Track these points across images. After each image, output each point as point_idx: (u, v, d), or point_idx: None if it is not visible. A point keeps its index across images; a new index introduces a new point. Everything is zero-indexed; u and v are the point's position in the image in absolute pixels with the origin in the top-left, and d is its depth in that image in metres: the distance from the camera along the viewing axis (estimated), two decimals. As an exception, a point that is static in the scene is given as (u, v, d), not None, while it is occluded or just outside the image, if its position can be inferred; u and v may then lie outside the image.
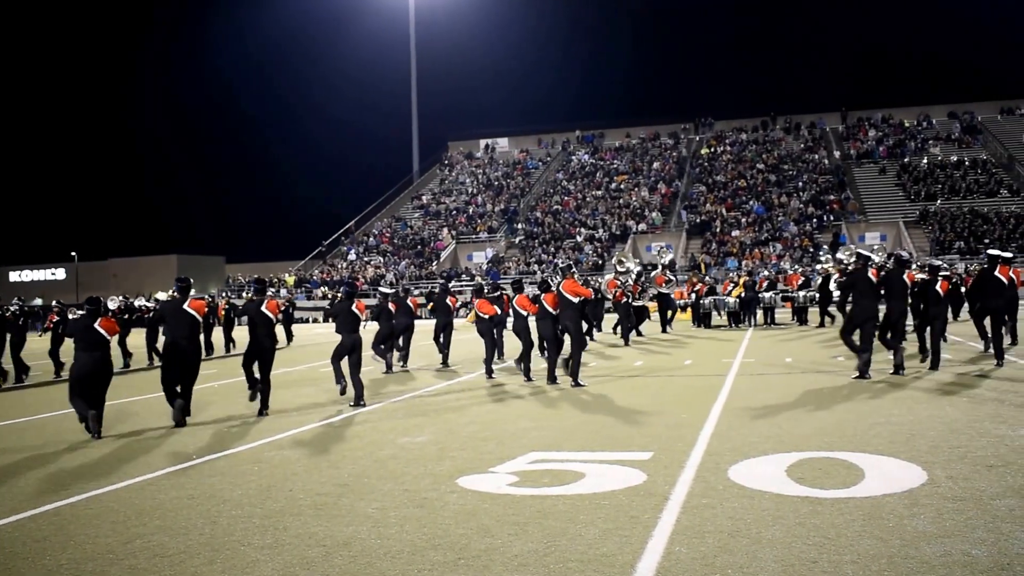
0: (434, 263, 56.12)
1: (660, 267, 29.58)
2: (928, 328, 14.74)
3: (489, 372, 16.06)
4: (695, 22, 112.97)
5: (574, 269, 16.37)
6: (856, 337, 13.91)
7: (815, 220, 53.31)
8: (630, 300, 23.57)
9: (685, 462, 7.95)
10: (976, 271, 18.33)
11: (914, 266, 17.18)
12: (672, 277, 27.19)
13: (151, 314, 22.44)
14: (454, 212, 64.27)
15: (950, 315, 19.82)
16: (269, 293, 18.32)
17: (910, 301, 14.68)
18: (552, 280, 16.20)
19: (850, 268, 15.71)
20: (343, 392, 13.30)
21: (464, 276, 51.79)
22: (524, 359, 15.51)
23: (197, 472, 8.55)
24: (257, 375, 12.38)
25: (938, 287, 14.56)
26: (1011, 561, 5.05)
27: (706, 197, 59.00)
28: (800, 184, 58.36)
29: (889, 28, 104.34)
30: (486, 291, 20.53)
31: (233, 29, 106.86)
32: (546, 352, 15.72)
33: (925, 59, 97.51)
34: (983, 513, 6.01)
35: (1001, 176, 55.61)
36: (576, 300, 14.33)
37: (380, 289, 20.93)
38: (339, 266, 58.59)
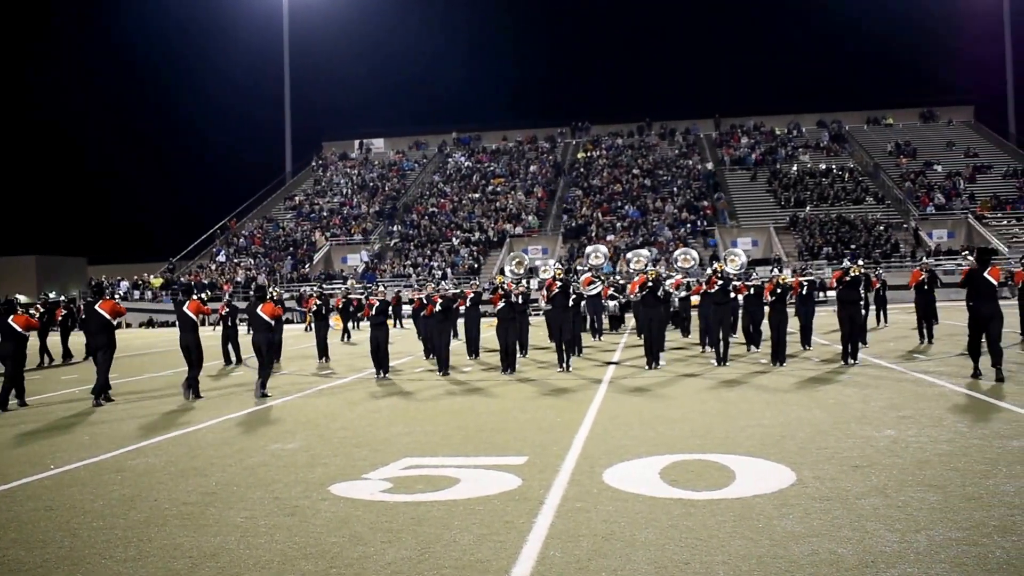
0: (307, 265, 55.25)
1: (588, 268, 28.65)
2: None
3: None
4: (572, 26, 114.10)
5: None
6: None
7: (689, 225, 54.51)
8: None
9: (560, 466, 7.98)
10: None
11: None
12: (600, 278, 26.50)
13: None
14: (328, 214, 63.43)
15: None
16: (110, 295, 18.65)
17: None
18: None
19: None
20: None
21: (337, 280, 51.17)
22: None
23: (55, 482, 8.17)
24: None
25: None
26: (875, 559, 5.20)
27: (582, 201, 59.70)
28: (675, 189, 59.61)
29: (760, 37, 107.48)
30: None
31: (97, 25, 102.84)
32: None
33: (795, 69, 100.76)
34: (849, 512, 6.19)
35: (867, 184, 57.97)
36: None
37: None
38: (208, 268, 57.13)
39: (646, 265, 19.52)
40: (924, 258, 40.59)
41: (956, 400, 11.17)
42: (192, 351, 14.27)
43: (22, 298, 16.69)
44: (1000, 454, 7.86)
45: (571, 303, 17.15)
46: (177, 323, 15.00)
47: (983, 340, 12.71)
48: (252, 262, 56.86)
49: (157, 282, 54.58)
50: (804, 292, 18.09)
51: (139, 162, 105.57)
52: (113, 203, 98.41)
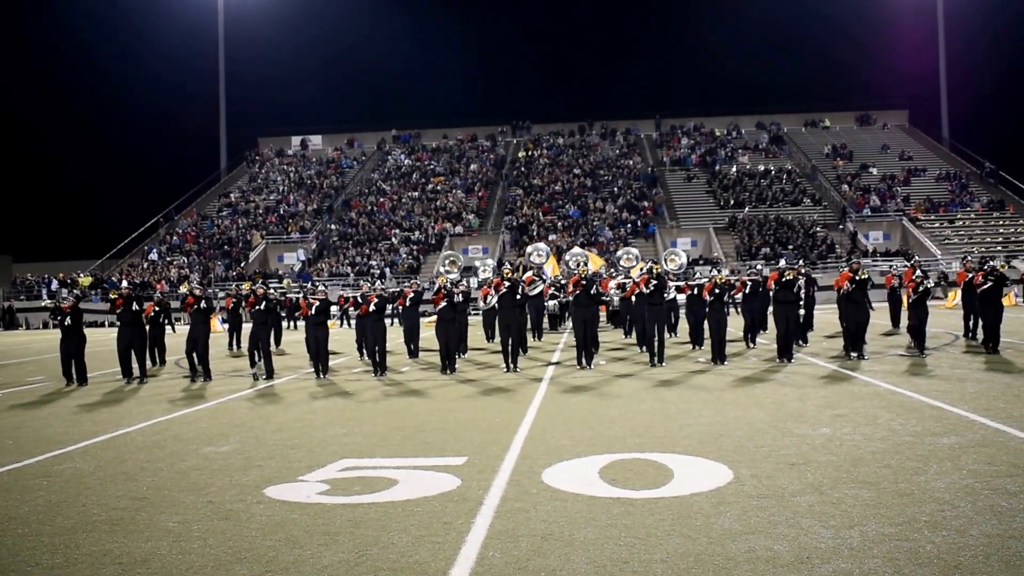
0: (242, 264, 54.49)
1: (533, 268, 28.38)
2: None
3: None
4: (513, 24, 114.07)
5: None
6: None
7: (629, 225, 54.81)
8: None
9: (499, 466, 7.95)
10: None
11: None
12: (542, 278, 26.19)
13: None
14: (264, 211, 62.63)
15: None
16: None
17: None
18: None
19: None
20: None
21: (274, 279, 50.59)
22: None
23: (-22, 488, 7.93)
24: None
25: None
26: (810, 555, 5.25)
27: (523, 200, 59.73)
28: (615, 189, 59.92)
29: (701, 39, 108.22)
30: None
31: (22, 20, 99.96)
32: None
33: (735, 71, 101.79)
34: (785, 510, 6.24)
35: (804, 185, 58.85)
36: None
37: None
38: (140, 266, 56.05)
39: (578, 264, 19.51)
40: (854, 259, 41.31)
41: (889, 399, 11.35)
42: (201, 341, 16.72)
43: None
44: (931, 451, 7.99)
45: (518, 301, 17.10)
46: (190, 318, 17.24)
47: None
48: (185, 260, 55.92)
49: (86, 281, 53.40)
50: (748, 291, 18.29)
51: (68, 157, 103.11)
52: (40, 199, 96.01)
